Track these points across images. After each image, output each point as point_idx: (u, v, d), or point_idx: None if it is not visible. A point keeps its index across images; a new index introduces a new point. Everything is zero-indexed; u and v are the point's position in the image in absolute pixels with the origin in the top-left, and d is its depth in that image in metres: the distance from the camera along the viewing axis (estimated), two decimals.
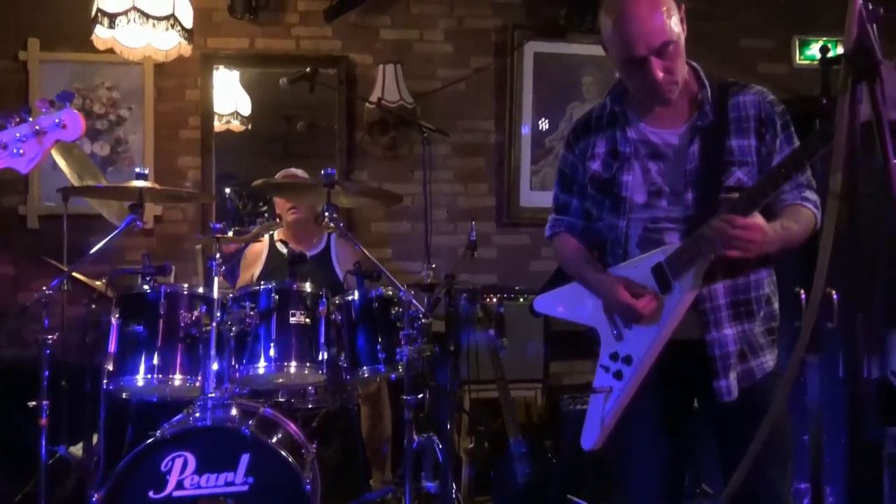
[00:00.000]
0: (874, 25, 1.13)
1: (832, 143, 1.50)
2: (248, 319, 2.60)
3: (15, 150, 1.76)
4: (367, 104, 4.17)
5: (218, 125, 4.50)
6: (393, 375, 3.01)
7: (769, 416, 1.60)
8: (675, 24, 1.78)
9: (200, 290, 2.66)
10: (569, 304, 2.14)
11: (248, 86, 4.57)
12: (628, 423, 1.95)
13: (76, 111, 1.74)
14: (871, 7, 1.14)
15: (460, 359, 3.81)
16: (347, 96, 4.29)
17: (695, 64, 1.91)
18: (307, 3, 4.34)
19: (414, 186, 4.28)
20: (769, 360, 1.89)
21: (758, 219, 1.69)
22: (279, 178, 3.58)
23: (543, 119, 4.50)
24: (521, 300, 3.96)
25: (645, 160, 1.90)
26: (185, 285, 2.69)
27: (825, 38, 4.60)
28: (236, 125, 4.67)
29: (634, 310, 1.85)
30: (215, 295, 2.54)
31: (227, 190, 4.53)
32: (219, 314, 2.56)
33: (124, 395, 2.75)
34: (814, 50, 4.64)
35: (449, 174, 4.45)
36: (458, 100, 4.44)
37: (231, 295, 2.71)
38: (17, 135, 1.77)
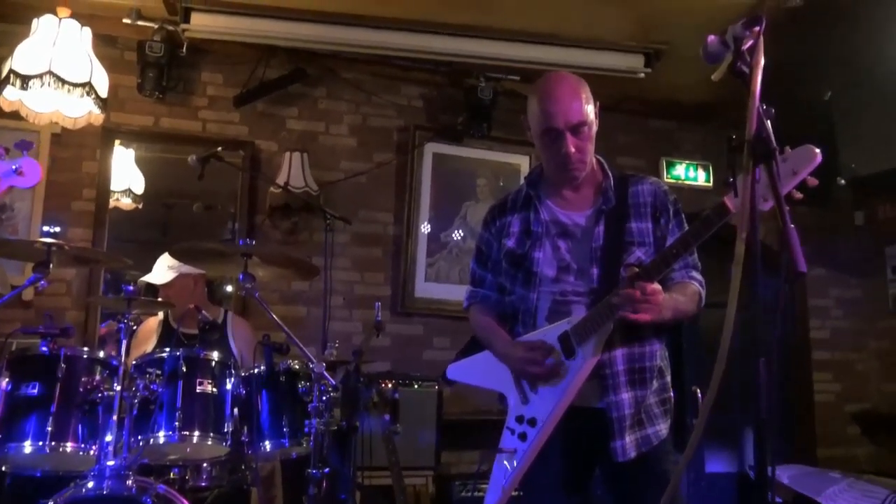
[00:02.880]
0: (768, 121, 1.38)
1: (713, 228, 1.77)
2: (153, 386, 2.52)
3: None
4: (271, 188, 4.25)
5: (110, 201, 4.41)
6: (294, 454, 2.96)
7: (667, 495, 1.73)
8: (590, 111, 2.04)
9: (101, 354, 2.57)
10: (480, 370, 2.27)
11: (143, 165, 4.53)
12: (532, 487, 2.06)
13: (34, 160, 1.74)
14: (764, 107, 1.40)
15: (356, 444, 3.81)
16: (252, 179, 4.35)
17: (600, 157, 2.18)
18: (217, 89, 4.44)
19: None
20: (663, 428, 2.07)
21: (657, 286, 1.90)
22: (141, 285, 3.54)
23: (440, 213, 4.72)
24: (416, 386, 4.02)
25: (555, 238, 2.11)
26: (86, 349, 2.58)
27: (687, 162, 5.22)
28: (127, 203, 4.57)
29: (533, 363, 1.99)
30: (122, 358, 2.46)
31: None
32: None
33: (2, 468, 2.55)
34: (679, 170, 5.22)
35: (347, 262, 4.55)
36: (359, 191, 4.60)
37: (134, 362, 2.62)
38: None
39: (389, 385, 3.90)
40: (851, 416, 5.35)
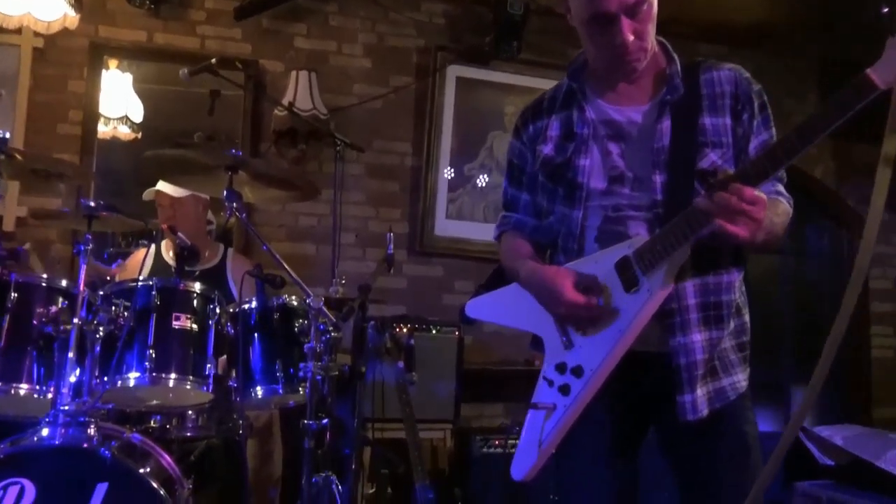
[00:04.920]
0: None
1: (848, 113, 1.30)
2: (119, 320, 2.14)
3: None
4: (276, 111, 3.83)
5: (105, 130, 4.03)
6: (291, 402, 2.60)
7: (762, 479, 1.32)
8: None
9: (64, 283, 2.19)
10: (508, 307, 1.83)
11: (141, 92, 4.13)
12: (572, 450, 1.64)
13: None
14: None
15: (364, 393, 3.47)
16: (254, 102, 3.93)
17: (662, 39, 1.71)
18: (216, 1, 4.00)
19: (321, 206, 3.96)
20: (741, 379, 1.63)
21: (760, 193, 1.41)
22: (148, 196, 3.20)
23: (463, 144, 4.29)
24: (435, 332, 3.65)
25: (605, 142, 1.65)
26: (44, 275, 2.21)
27: None
28: (125, 132, 4.19)
29: (580, 308, 1.56)
30: (81, 287, 2.08)
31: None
32: (83, 312, 2.10)
33: None
34: None
35: (360, 196, 4.15)
36: (374, 118, 4.18)
37: (101, 292, 2.24)
38: None
39: (404, 330, 3.54)
40: None
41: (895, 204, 4.64)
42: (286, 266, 2.29)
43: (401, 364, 3.30)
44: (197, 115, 3.71)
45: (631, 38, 1.56)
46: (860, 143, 4.08)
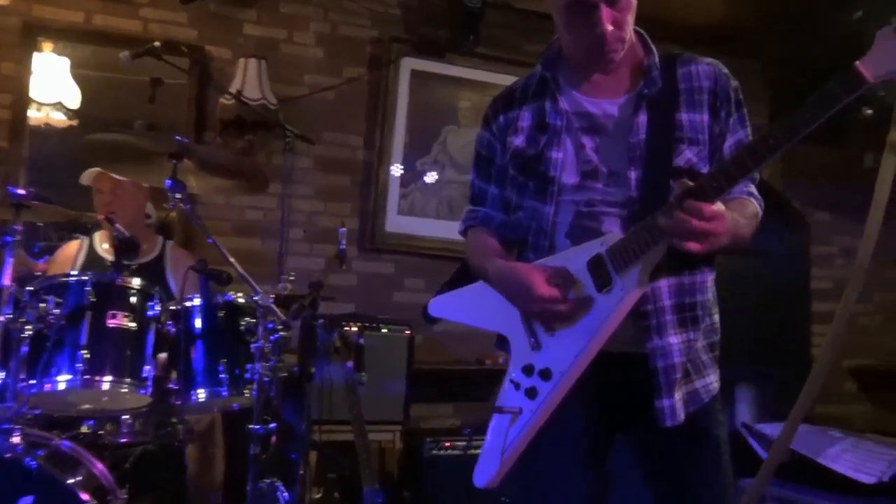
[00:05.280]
0: None
1: (832, 110, 1.26)
2: (49, 318, 1.99)
3: None
4: (222, 99, 3.67)
5: (38, 116, 3.81)
6: (235, 405, 2.47)
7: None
8: None
9: None
10: (472, 306, 1.75)
11: (79, 77, 3.91)
12: (538, 456, 1.57)
13: None
14: None
15: (311, 395, 3.35)
16: (199, 90, 3.76)
17: (640, 29, 1.65)
18: None
19: (268, 200, 3.82)
20: (713, 380, 1.60)
21: (720, 206, 1.39)
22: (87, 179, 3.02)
23: (417, 139, 4.19)
24: (385, 331, 3.55)
25: (578, 135, 1.59)
26: None
27: None
28: (59, 119, 3.96)
29: (553, 302, 1.49)
30: (6, 281, 1.92)
31: None
32: (9, 309, 1.94)
33: None
34: None
35: (309, 190, 4.01)
36: (325, 109, 4.04)
37: (28, 287, 2.08)
38: None
39: (354, 328, 3.43)
40: (849, 372, 5.01)
41: (836, 207, 4.70)
42: (233, 261, 2.17)
43: (350, 364, 3.20)
44: (137, 103, 3.50)
45: (610, 27, 1.50)
46: (805, 144, 4.15)
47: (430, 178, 4.21)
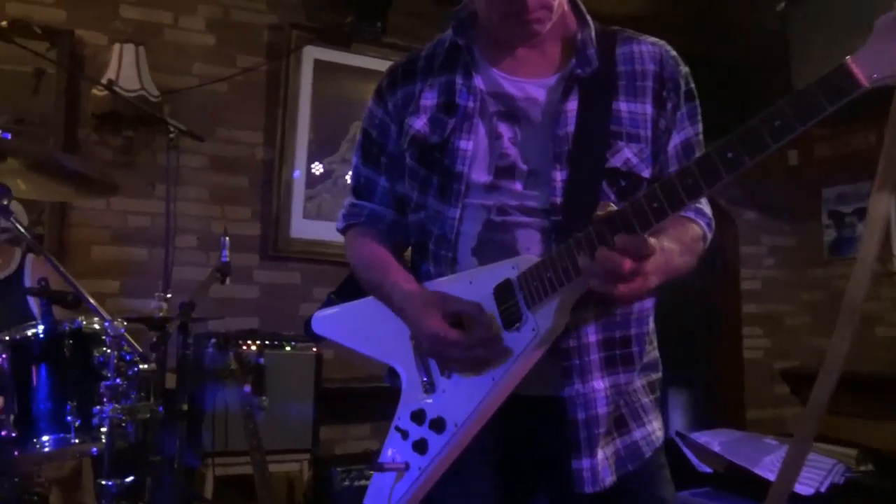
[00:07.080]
0: None
1: (814, 120, 0.95)
2: None
3: None
4: (94, 90, 3.23)
5: None
6: (94, 449, 2.07)
7: None
8: None
9: None
10: (359, 326, 1.42)
11: None
12: None
13: None
14: None
15: (204, 424, 2.97)
16: (70, 80, 3.30)
17: None
18: None
19: (155, 205, 3.40)
20: (656, 428, 1.29)
21: (652, 243, 1.05)
22: None
23: (323, 135, 3.83)
24: (289, 348, 3.19)
25: (494, 121, 1.26)
26: None
27: None
28: None
29: (445, 345, 1.18)
30: None
31: None
32: None
33: None
34: None
35: (202, 192, 3.60)
36: (218, 103, 3.64)
37: None
38: None
39: (253, 347, 3.07)
40: (780, 374, 4.91)
41: (764, 205, 4.57)
42: (76, 283, 1.77)
43: (248, 388, 2.85)
44: (19, 96, 3.15)
45: None
46: None
47: (338, 178, 3.86)
